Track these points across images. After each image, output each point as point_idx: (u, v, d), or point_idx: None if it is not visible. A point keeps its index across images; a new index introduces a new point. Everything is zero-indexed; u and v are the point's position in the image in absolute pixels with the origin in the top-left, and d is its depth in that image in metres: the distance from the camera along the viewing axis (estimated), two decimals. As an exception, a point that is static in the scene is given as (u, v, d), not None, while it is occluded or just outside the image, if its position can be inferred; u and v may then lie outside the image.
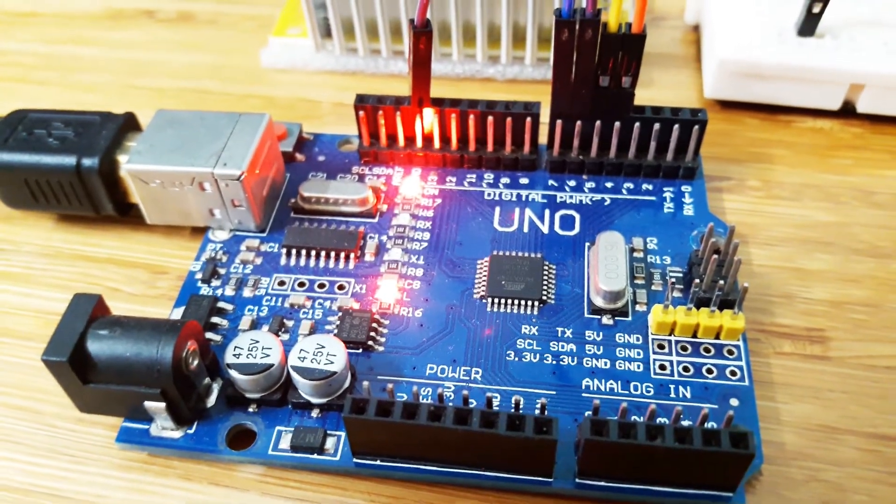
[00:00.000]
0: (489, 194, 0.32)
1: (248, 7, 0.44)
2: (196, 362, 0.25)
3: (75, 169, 0.30)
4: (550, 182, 0.32)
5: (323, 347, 0.25)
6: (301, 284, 0.29)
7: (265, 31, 0.42)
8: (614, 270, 0.28)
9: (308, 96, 0.38)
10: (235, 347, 0.25)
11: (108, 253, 0.32)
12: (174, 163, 0.29)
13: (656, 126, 0.31)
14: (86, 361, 0.24)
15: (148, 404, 0.24)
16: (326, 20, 0.38)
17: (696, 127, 0.31)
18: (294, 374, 0.25)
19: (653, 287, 0.28)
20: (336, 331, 0.27)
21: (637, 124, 0.31)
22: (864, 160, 0.34)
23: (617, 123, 0.31)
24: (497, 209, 0.32)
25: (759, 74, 0.34)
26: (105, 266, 0.32)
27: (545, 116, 0.32)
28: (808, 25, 0.34)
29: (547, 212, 0.31)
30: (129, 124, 0.32)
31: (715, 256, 0.27)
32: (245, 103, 0.38)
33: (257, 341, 0.25)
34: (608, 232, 0.29)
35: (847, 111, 0.35)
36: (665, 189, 0.32)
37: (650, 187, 0.32)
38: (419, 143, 0.33)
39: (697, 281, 0.27)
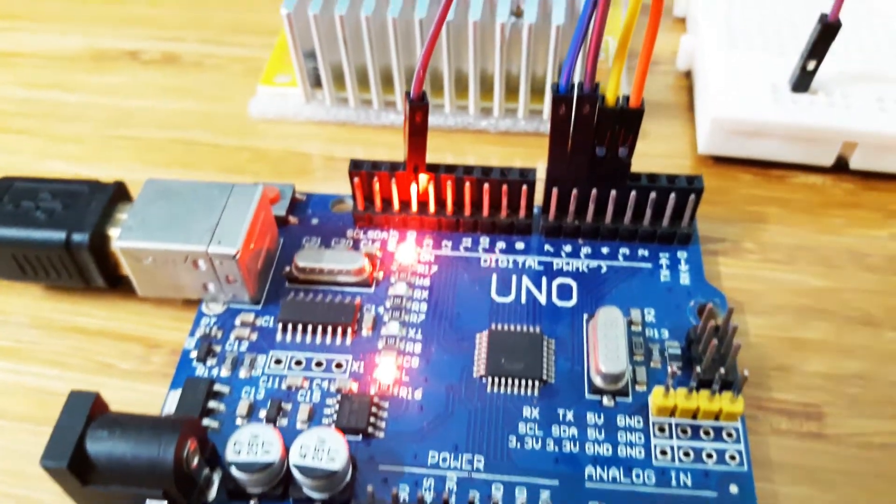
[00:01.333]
0: (485, 261, 0.32)
1: (234, 49, 0.43)
2: (196, 459, 0.25)
3: (65, 244, 0.30)
4: (546, 247, 0.32)
5: (324, 442, 0.25)
6: (298, 363, 0.29)
7: (253, 75, 0.41)
8: (614, 351, 0.28)
9: (299, 149, 0.38)
10: (235, 443, 0.25)
11: (100, 324, 0.32)
12: (167, 240, 0.29)
13: (653, 195, 0.31)
14: (86, 464, 0.24)
15: (150, 503, 0.24)
16: (316, 70, 0.38)
17: (693, 196, 0.31)
18: (295, 472, 0.24)
19: (652, 364, 0.28)
20: (336, 416, 0.27)
21: (633, 192, 0.31)
22: (856, 218, 0.34)
23: (613, 191, 0.31)
24: (494, 277, 0.31)
25: (753, 133, 0.34)
26: (97, 339, 0.31)
27: (541, 172, 0.32)
28: (803, 82, 0.34)
29: (544, 279, 0.31)
30: (118, 194, 0.31)
31: (714, 341, 0.27)
32: (235, 158, 0.37)
33: (257, 436, 0.25)
34: (607, 308, 0.29)
35: (840, 166, 0.35)
36: (661, 254, 0.32)
37: (646, 253, 0.32)
38: (414, 207, 0.33)
39: (698, 370, 0.27)
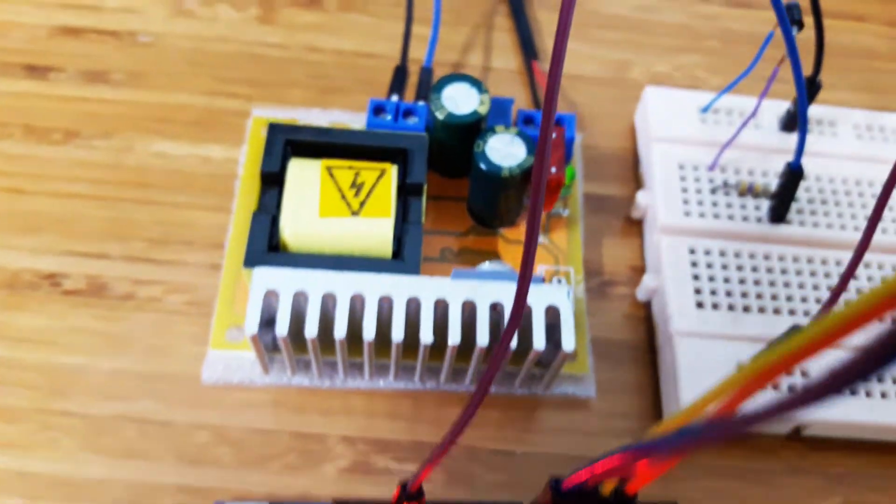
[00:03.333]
0: (472, 586, 0.33)
1: (169, 271, 0.39)
2: None
3: None
4: (530, 564, 0.33)
5: None
6: None
7: (195, 311, 0.38)
8: None
9: (262, 426, 0.36)
10: None
11: None
12: None
13: (636, 531, 0.32)
14: None
15: None
16: (275, 340, 0.35)
17: (673, 528, 0.32)
18: None
19: None
20: None
21: (618, 530, 0.32)
22: (802, 488, 0.37)
23: (599, 529, 0.32)
24: None
25: (718, 419, 0.36)
26: None
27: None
28: (766, 367, 0.35)
29: None
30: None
31: None
32: (193, 441, 0.35)
33: None
34: None
35: (794, 432, 0.37)
36: (638, 568, 0.34)
37: (624, 566, 0.34)
38: (399, 533, 0.33)
39: None
